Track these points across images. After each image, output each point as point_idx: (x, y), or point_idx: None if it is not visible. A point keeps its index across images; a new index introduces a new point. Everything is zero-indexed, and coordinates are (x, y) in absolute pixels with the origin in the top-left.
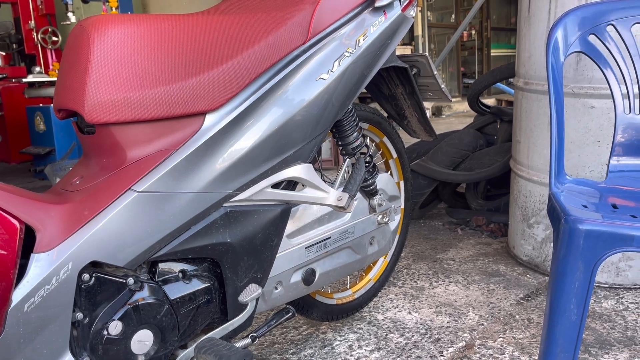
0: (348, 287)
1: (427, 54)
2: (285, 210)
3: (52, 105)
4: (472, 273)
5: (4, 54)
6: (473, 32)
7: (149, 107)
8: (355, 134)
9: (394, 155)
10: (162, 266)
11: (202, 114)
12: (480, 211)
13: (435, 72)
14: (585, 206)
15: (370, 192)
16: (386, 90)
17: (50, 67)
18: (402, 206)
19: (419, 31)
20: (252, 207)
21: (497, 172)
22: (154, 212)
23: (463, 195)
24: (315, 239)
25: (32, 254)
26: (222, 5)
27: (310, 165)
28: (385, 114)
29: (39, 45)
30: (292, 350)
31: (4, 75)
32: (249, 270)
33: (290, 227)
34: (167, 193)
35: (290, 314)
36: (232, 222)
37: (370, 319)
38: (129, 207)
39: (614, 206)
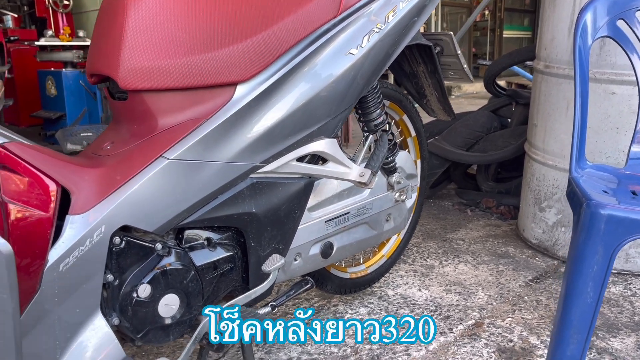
0: (361, 262)
1: (451, 33)
2: (309, 184)
3: (63, 69)
4: (481, 254)
5: (15, 15)
6: (486, 12)
7: (182, 75)
8: (378, 110)
9: (413, 133)
10: (188, 233)
11: (234, 84)
12: (491, 193)
13: (459, 52)
14: (605, 192)
15: (389, 170)
16: (407, 67)
17: (61, 31)
18: (418, 185)
19: None
20: (277, 179)
21: (510, 155)
22: (184, 180)
23: (474, 176)
24: (335, 214)
25: (67, 216)
26: None
27: (335, 140)
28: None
29: (50, 8)
30: None
31: (16, 37)
32: (272, 240)
33: (311, 200)
34: (197, 162)
35: (310, 285)
36: (258, 193)
37: (380, 294)
38: (160, 174)
39: (634, 193)
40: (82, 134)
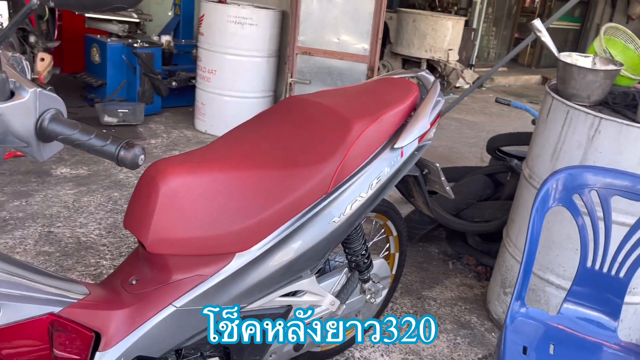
0: None
1: (438, 164)
2: (288, 310)
3: (108, 40)
4: (446, 320)
5: None
6: None
7: (196, 247)
8: (359, 240)
9: (394, 233)
10: (186, 350)
11: (233, 253)
12: (474, 249)
13: (443, 178)
14: (525, 349)
15: (363, 280)
16: None
17: None
18: (394, 273)
19: None
20: (261, 311)
21: (493, 229)
22: (186, 321)
23: None
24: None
25: (97, 352)
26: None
27: (314, 277)
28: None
29: None
30: None
31: None
32: (250, 354)
33: None
34: (197, 308)
35: None
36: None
37: (348, 355)
38: (169, 318)
39: (553, 350)
40: (119, 110)
